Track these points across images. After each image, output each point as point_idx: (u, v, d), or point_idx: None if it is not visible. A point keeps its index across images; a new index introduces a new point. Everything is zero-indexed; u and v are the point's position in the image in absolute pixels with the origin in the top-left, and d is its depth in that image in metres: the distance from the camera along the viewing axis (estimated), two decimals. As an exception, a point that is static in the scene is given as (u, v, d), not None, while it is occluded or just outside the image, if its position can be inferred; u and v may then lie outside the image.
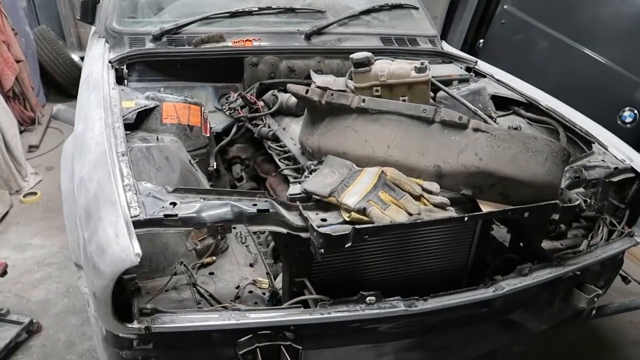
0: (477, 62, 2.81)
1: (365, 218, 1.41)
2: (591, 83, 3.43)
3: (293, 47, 2.51)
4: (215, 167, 2.14)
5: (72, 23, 6.15)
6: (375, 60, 2.05)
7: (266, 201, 1.45)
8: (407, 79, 1.97)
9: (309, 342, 1.48)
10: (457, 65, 2.81)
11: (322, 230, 1.35)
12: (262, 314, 1.43)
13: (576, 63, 3.54)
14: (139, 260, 1.23)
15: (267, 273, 1.71)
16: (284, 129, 2.23)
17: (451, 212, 1.48)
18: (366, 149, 1.59)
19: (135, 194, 1.41)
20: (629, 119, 3.22)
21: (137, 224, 1.32)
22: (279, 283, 1.71)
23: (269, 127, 2.24)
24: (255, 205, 1.43)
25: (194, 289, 1.66)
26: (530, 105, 2.46)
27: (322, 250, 1.36)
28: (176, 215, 1.35)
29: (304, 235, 1.44)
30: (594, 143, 2.10)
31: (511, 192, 1.51)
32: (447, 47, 3.03)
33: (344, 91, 2.05)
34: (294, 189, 1.56)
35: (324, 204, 1.51)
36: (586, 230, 2.10)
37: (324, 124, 1.73)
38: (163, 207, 1.38)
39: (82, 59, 5.73)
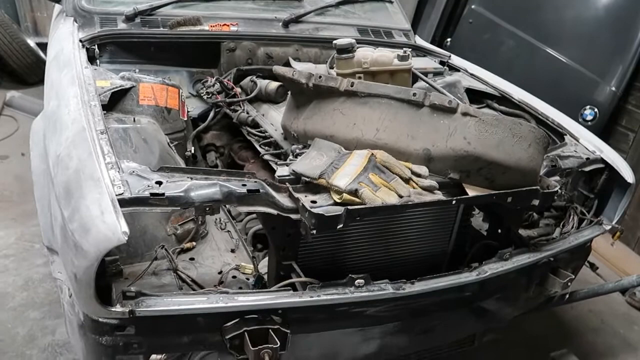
0: (450, 56, 2.86)
1: (356, 199, 1.40)
2: (553, 82, 3.55)
3: (271, 34, 2.48)
4: (192, 152, 2.08)
5: (27, 7, 5.85)
6: (357, 48, 2.05)
7: (255, 181, 1.42)
8: (390, 67, 1.98)
9: (296, 326, 1.46)
10: (431, 59, 2.85)
11: (315, 210, 1.33)
12: (251, 297, 1.40)
13: (540, 62, 3.67)
14: (126, 238, 1.17)
15: (252, 257, 1.68)
16: (263, 115, 2.20)
17: (439, 195, 1.49)
18: (354, 132, 1.58)
19: (118, 172, 1.35)
20: (589, 117, 3.36)
21: (122, 202, 1.26)
22: (262, 268, 1.68)
23: (247, 113, 2.20)
24: (244, 185, 1.39)
25: (174, 274, 1.61)
26: (503, 99, 2.53)
27: (314, 232, 1.34)
28: (163, 194, 1.30)
29: (293, 216, 1.42)
30: (566, 135, 2.17)
31: (496, 176, 1.54)
32: (420, 41, 3.07)
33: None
34: (282, 171, 1.53)
35: (314, 186, 1.49)
36: (556, 219, 2.18)
37: (310, 107, 1.71)
38: (149, 186, 1.32)
39: (38, 45, 5.49)
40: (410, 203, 1.42)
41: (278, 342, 1.37)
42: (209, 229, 1.89)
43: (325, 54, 2.59)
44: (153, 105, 1.93)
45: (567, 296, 1.94)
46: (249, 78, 2.35)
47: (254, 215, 2.01)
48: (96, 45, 2.20)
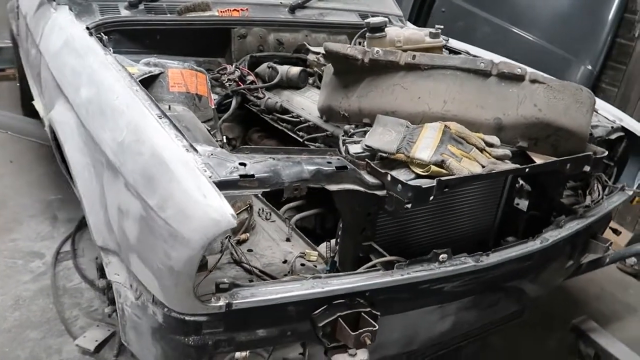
0: (448, 40, 2.89)
1: (443, 171, 1.37)
2: (531, 64, 3.65)
3: (282, 20, 2.41)
4: (225, 141, 1.97)
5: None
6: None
7: (339, 159, 1.35)
8: (423, 44, 1.96)
9: (381, 307, 1.41)
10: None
11: (412, 183, 1.28)
12: (345, 279, 1.33)
13: (516, 46, 3.79)
14: (235, 222, 1.08)
15: (329, 241, 1.60)
16: (287, 101, 2.12)
17: (513, 164, 1.49)
18: (420, 106, 1.55)
19: (196, 155, 1.24)
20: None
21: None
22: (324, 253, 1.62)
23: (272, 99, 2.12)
24: (330, 163, 1.32)
25: (239, 266, 1.51)
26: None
27: (410, 205, 1.30)
28: (253, 175, 1.21)
29: (379, 193, 1.37)
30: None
31: (561, 143, 1.56)
32: (412, 27, 3.08)
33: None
34: (355, 148, 1.47)
35: (389, 162, 1.44)
36: (576, 188, 2.25)
37: (363, 84, 1.66)
38: (235, 168, 1.22)
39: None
40: (493, 172, 1.41)
41: (375, 324, 1.32)
42: (255, 220, 1.79)
43: (333, 40, 2.55)
44: (184, 92, 1.80)
45: (607, 259, 2.01)
46: (265, 65, 2.26)
47: (291, 205, 1.94)
48: (102, 33, 2.03)
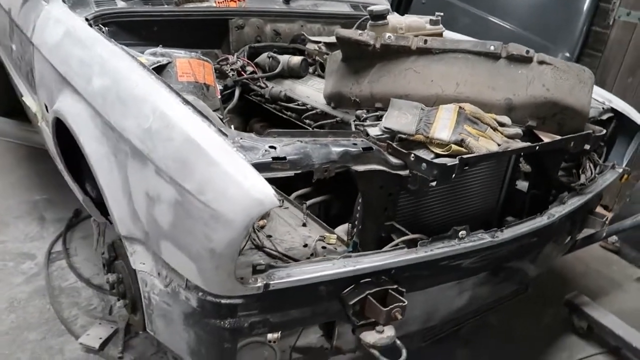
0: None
1: (463, 150, 1.42)
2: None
3: (279, 10, 2.42)
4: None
5: None
6: (384, 16, 2.05)
7: (363, 140, 1.38)
8: (425, 31, 2.01)
9: (405, 285, 1.44)
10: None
11: (437, 161, 1.33)
12: (373, 258, 1.36)
13: (495, 35, 3.86)
14: (278, 202, 1.09)
15: (350, 223, 1.62)
16: (290, 90, 2.13)
17: (525, 143, 1.55)
18: (433, 89, 1.60)
19: (226, 138, 1.25)
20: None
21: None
22: (342, 235, 1.64)
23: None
24: (356, 144, 1.35)
25: (261, 252, 1.52)
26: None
27: (435, 183, 1.34)
28: (285, 158, 1.23)
29: (402, 173, 1.40)
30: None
31: (567, 121, 1.63)
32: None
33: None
34: (374, 131, 1.50)
35: (407, 143, 1.48)
36: (569, 169, 2.34)
37: (374, 70, 1.69)
38: (266, 151, 1.24)
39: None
40: (509, 149, 1.47)
41: (405, 300, 1.35)
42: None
43: (328, 30, 2.58)
44: (193, 81, 1.79)
45: (604, 234, 2.11)
46: (265, 55, 2.27)
47: (300, 193, 1.96)
48: (100, 25, 2.00)
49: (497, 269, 1.71)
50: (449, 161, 1.35)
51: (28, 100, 2.40)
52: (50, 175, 3.44)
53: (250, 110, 2.31)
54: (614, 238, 3.23)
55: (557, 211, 1.77)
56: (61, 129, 1.87)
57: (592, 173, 2.18)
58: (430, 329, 1.68)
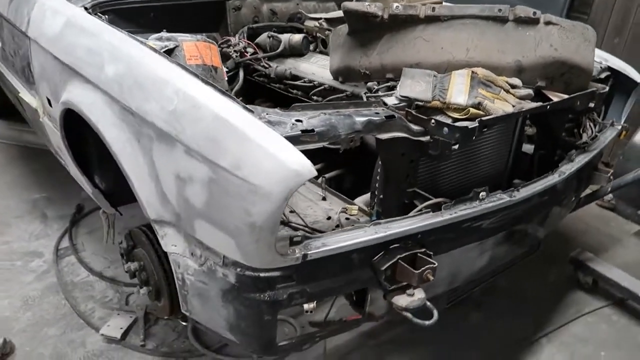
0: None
1: (481, 112, 1.45)
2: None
3: (273, -12, 2.40)
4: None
5: None
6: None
7: (383, 109, 1.40)
8: (426, 0, 2.02)
9: (431, 248, 1.48)
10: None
11: (458, 124, 1.35)
12: (403, 223, 1.39)
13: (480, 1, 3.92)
14: (315, 172, 1.11)
15: (372, 192, 1.65)
16: (294, 68, 2.14)
17: (537, 103, 1.59)
18: (444, 55, 1.62)
19: (252, 114, 1.26)
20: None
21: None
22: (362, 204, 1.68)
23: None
24: (378, 113, 1.37)
25: (287, 227, 1.54)
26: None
27: (457, 146, 1.37)
28: (313, 130, 1.24)
29: (424, 139, 1.43)
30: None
31: (573, 80, 1.67)
32: None
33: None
34: (391, 100, 1.52)
35: (424, 110, 1.51)
36: (570, 129, 2.39)
37: (382, 41, 1.71)
38: (293, 124, 1.25)
39: None
40: (524, 109, 1.50)
41: (435, 262, 1.39)
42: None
43: (322, 7, 2.57)
44: (201, 64, 1.79)
45: (609, 189, 2.17)
46: (265, 35, 2.26)
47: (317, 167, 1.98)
48: (98, 13, 1.97)
49: (514, 229, 1.76)
50: (469, 124, 1.38)
51: (26, 96, 2.36)
52: (46, 173, 3.41)
53: (252, 92, 2.31)
54: (610, 196, 3.31)
55: (567, 169, 1.82)
56: (69, 122, 1.85)
57: (592, 131, 2.24)
58: (453, 290, 1.73)
